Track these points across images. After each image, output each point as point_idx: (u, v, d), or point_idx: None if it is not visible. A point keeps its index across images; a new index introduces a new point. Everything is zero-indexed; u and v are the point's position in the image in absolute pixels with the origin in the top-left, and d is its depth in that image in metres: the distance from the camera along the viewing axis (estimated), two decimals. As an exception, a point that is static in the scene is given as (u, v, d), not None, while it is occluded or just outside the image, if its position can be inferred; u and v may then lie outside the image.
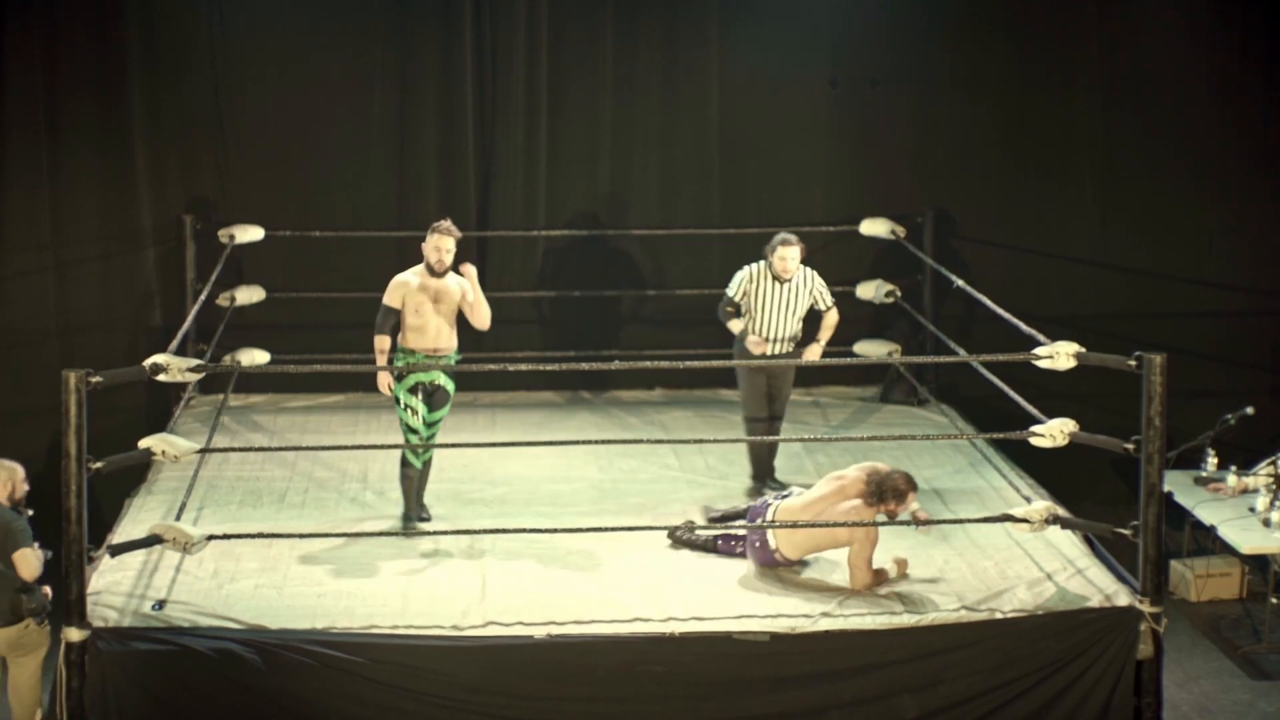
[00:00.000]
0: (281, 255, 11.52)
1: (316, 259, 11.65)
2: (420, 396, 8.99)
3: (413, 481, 9.10)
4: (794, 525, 8.15)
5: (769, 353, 9.58)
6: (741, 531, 8.39)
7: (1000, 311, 9.27)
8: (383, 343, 8.92)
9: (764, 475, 9.72)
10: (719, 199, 11.96)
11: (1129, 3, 11.94)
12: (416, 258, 11.82)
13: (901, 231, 11.48)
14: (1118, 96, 11.96)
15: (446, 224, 9.11)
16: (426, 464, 9.14)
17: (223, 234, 11.08)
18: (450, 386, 9.15)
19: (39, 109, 11.27)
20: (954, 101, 11.95)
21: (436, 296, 9.03)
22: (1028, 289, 11.81)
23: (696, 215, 11.92)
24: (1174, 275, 12.00)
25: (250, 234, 11.18)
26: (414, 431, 9.01)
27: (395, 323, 9.00)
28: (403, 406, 9.00)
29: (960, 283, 10.11)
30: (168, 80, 11.44)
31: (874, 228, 11.55)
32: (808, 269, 9.69)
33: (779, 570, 8.30)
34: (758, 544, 8.30)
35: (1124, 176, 12.04)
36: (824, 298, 9.71)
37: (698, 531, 8.57)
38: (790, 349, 9.66)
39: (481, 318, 9.13)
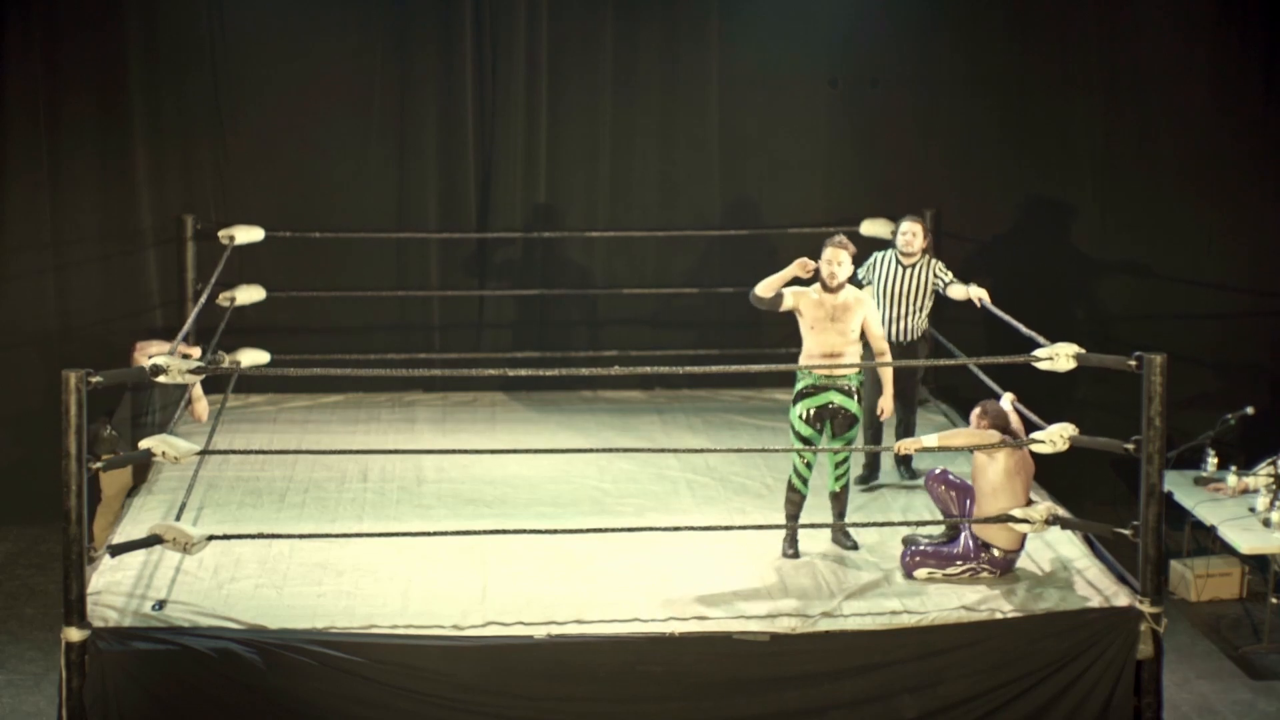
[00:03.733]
0: (281, 255, 11.51)
1: (316, 259, 11.65)
2: (809, 421, 8.62)
3: (795, 506, 8.67)
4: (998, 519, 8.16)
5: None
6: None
7: (999, 313, 9.26)
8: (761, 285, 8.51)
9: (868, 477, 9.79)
10: (719, 199, 11.96)
11: (1129, 2, 11.94)
12: (416, 258, 11.92)
13: (902, 231, 11.47)
14: (1118, 96, 11.96)
15: (840, 237, 8.67)
16: (848, 484, 8.73)
17: (223, 234, 11.08)
18: (853, 408, 8.63)
19: (39, 108, 11.28)
20: (954, 101, 11.95)
21: (834, 315, 8.60)
22: (1027, 289, 11.81)
23: (696, 215, 11.92)
24: (1173, 275, 12.01)
25: (250, 234, 11.17)
26: (805, 461, 8.60)
27: (773, 296, 8.50)
28: (792, 432, 8.66)
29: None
30: (168, 80, 11.45)
31: (874, 228, 11.54)
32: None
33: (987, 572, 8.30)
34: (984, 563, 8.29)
35: (1124, 176, 12.04)
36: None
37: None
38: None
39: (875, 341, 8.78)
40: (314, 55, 11.57)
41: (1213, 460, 10.53)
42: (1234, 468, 10.34)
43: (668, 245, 11.95)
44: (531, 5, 11.59)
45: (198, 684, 7.47)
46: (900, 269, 9.82)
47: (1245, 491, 10.14)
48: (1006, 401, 8.70)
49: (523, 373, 8.55)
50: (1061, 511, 8.33)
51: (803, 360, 8.66)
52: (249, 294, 11.22)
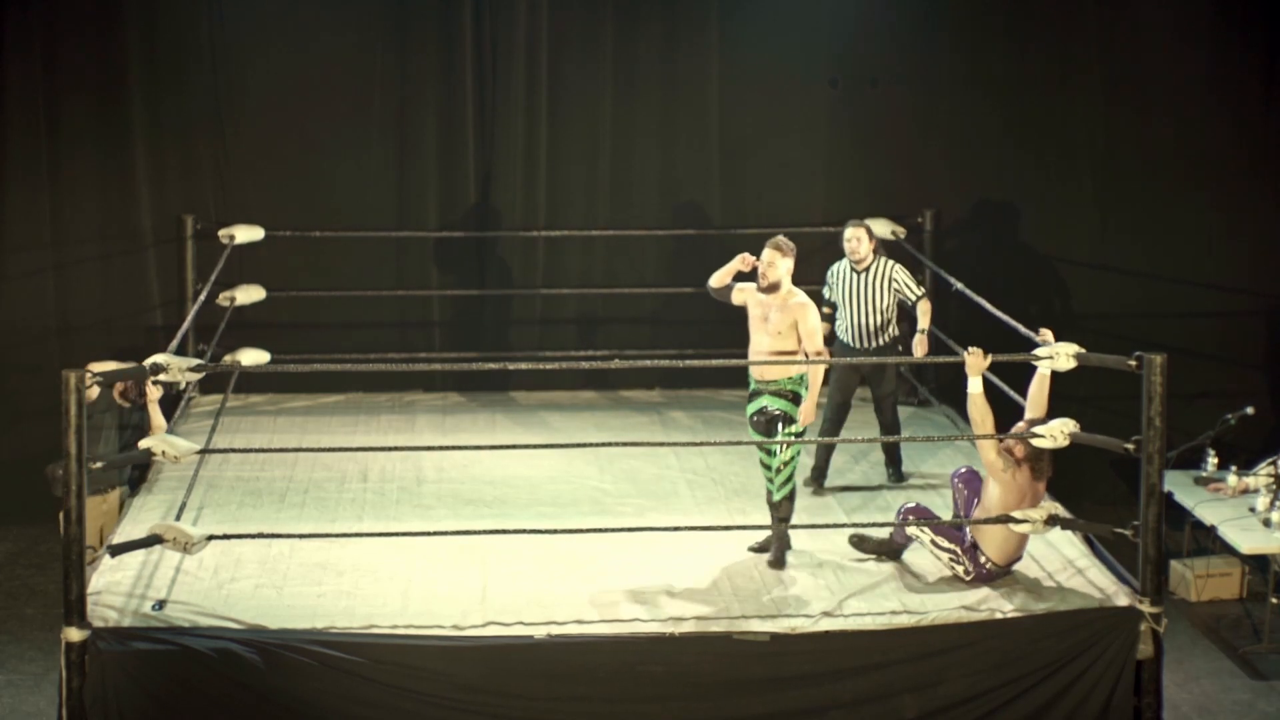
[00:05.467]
0: (281, 255, 11.52)
1: (316, 259, 11.66)
2: (752, 423, 8.55)
3: (783, 507, 8.53)
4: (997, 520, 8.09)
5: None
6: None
7: (999, 314, 9.26)
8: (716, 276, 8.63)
9: (817, 479, 9.73)
10: (719, 199, 11.97)
11: (1129, 2, 11.94)
12: (416, 259, 11.93)
13: (901, 232, 11.48)
14: (1118, 96, 11.96)
15: (778, 239, 8.54)
16: (791, 495, 8.51)
17: (223, 234, 11.09)
18: (790, 410, 8.43)
19: (39, 109, 11.29)
20: (954, 101, 11.96)
21: (766, 314, 8.50)
22: (1027, 290, 11.81)
23: (696, 215, 11.92)
24: (1173, 275, 12.00)
25: (250, 234, 11.18)
26: (768, 468, 8.51)
27: (723, 287, 8.59)
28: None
29: (959, 285, 10.12)
30: (168, 80, 11.45)
31: (874, 228, 11.53)
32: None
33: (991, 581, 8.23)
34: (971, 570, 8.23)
35: (1124, 176, 12.04)
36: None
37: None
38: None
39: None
40: (314, 55, 11.58)
41: (1213, 460, 10.53)
42: (1234, 468, 10.34)
43: (668, 245, 11.95)
44: (531, 5, 11.60)
45: (198, 684, 7.47)
46: (854, 274, 9.90)
47: (1245, 491, 10.14)
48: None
49: (523, 366, 8.54)
50: (1061, 511, 8.32)
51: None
52: (249, 293, 11.23)
